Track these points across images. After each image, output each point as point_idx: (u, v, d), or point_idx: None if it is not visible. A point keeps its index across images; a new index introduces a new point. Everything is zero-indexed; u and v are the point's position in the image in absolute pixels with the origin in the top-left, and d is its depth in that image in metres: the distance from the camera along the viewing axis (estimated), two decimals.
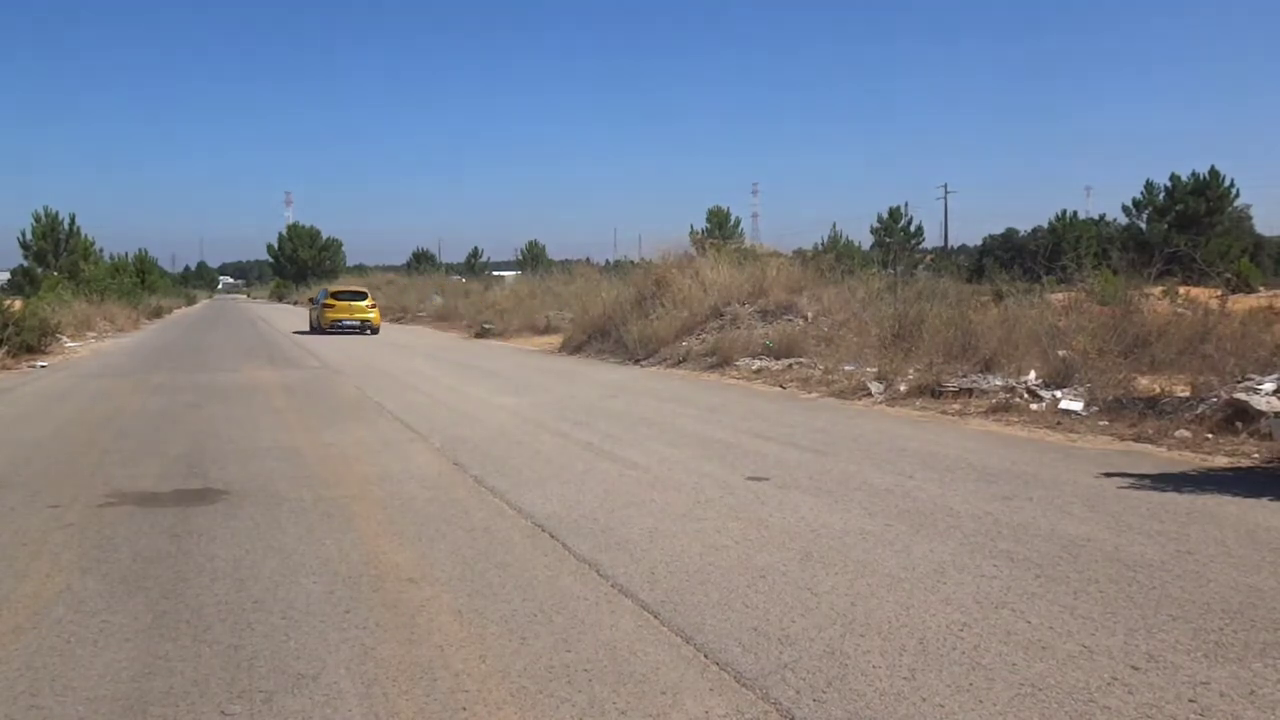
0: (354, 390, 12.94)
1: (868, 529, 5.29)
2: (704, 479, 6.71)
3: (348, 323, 28.68)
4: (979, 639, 3.62)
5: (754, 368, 14.53)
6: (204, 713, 3.07)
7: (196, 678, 3.32)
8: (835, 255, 22.75)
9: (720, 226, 54.61)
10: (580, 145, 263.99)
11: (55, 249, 46.71)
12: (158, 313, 48.61)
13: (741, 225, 62.28)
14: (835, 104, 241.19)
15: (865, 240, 65.14)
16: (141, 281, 53.67)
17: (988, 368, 10.96)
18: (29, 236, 46.90)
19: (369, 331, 28.69)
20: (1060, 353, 10.44)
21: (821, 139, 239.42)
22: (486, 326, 28.54)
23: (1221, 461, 7.20)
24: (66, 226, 47.14)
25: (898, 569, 4.53)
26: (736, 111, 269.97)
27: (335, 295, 30.28)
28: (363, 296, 30.26)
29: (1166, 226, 59.53)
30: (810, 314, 16.48)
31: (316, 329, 29.38)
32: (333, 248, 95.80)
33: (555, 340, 22.62)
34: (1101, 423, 8.77)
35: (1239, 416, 7.92)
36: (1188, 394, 8.88)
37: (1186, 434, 7.97)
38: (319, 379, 14.68)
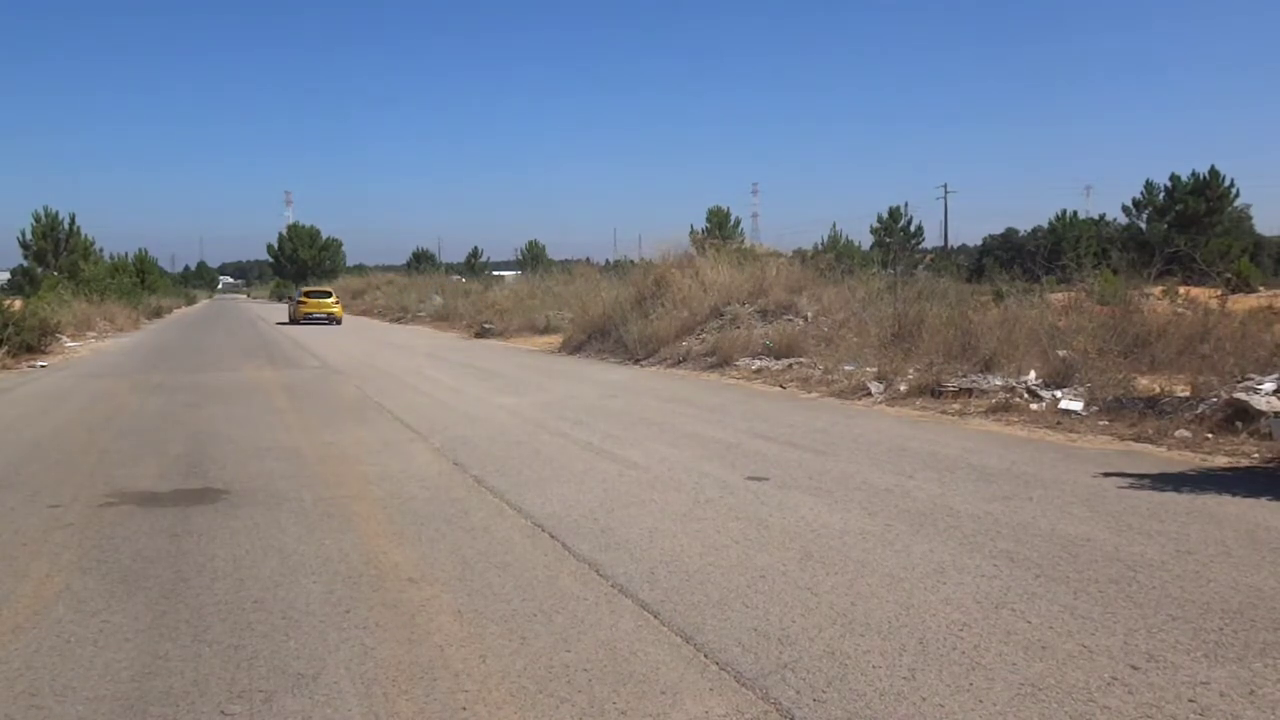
0: (354, 390, 12.94)
1: (868, 529, 5.29)
2: (704, 479, 6.71)
3: (316, 315, 35.99)
4: (979, 639, 3.62)
5: (754, 367, 14.52)
6: (204, 713, 3.07)
7: (196, 678, 3.33)
8: (835, 255, 22.75)
9: (720, 226, 54.53)
10: (580, 145, 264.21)
11: (55, 249, 46.67)
12: (157, 312, 48.63)
13: (741, 225, 62.27)
14: (835, 104, 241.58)
15: (865, 240, 65.04)
16: (141, 281, 53.67)
17: (988, 368, 10.96)
18: (29, 236, 46.87)
19: (334, 322, 35.47)
20: (1060, 353, 10.44)
21: (821, 139, 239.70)
22: (486, 326, 28.57)
23: (1221, 461, 7.20)
24: (66, 226, 47.09)
25: (898, 569, 4.53)
26: (736, 112, 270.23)
27: (307, 294, 38.39)
28: (328, 295, 38.08)
29: (1166, 226, 59.62)
30: (810, 314, 16.47)
31: (294, 321, 36.41)
32: (333, 248, 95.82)
33: (555, 340, 22.61)
34: (1101, 423, 8.77)
35: (1239, 416, 7.92)
36: (1188, 394, 8.88)
37: (1186, 434, 7.98)
38: (319, 379, 14.68)
